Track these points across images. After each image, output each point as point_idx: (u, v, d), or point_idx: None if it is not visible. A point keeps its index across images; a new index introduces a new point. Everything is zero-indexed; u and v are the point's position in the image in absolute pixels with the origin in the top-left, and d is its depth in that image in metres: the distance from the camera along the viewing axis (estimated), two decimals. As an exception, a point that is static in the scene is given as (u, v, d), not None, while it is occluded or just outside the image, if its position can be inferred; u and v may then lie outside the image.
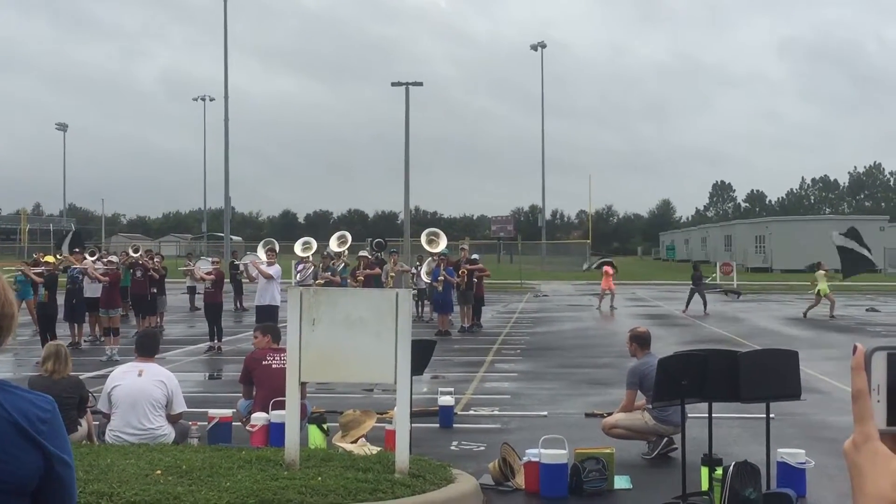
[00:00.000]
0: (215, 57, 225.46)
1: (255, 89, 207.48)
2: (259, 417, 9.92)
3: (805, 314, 29.39)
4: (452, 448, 10.48)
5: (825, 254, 35.46)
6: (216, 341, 20.31)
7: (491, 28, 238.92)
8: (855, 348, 1.19)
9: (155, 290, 24.30)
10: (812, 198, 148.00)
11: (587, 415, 12.38)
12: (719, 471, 7.96)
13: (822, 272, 30.01)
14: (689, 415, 8.79)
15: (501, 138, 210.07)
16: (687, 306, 31.32)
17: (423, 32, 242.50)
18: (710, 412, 8.34)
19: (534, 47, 76.66)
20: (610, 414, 10.75)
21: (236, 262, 32.16)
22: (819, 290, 29.67)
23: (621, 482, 8.83)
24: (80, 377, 10.54)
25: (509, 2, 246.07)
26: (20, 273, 21.61)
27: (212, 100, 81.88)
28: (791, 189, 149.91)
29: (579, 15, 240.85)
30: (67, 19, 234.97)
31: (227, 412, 10.37)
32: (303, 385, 8.66)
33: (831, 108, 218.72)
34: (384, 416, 10.90)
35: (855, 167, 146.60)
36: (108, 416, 9.37)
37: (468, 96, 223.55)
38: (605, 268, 34.36)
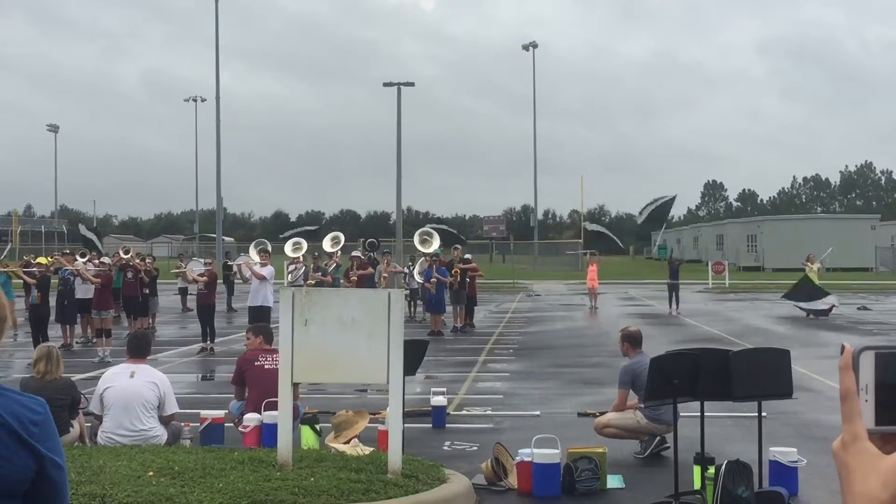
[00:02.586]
0: (197, 58, 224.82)
1: (241, 91, 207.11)
2: (251, 418, 9.91)
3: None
4: (445, 448, 10.48)
5: (816, 253, 35.51)
6: (209, 342, 20.29)
7: (473, 29, 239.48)
8: (843, 348, 1.19)
9: (147, 292, 24.27)
10: (804, 197, 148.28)
11: (580, 414, 12.39)
12: (712, 470, 7.98)
13: (810, 265, 30.04)
14: (681, 414, 8.81)
15: (491, 139, 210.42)
16: (674, 305, 31.27)
17: (405, 34, 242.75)
18: (702, 411, 8.35)
19: (525, 47, 76.64)
20: (602, 413, 10.76)
21: (230, 263, 32.13)
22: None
23: (614, 481, 8.84)
24: (72, 379, 10.51)
25: (492, 3, 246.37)
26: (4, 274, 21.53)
27: (203, 101, 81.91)
28: (783, 188, 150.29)
29: (562, 16, 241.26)
30: (47, 20, 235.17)
31: (220, 413, 10.37)
32: (295, 386, 8.67)
33: (821, 107, 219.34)
34: (377, 416, 10.90)
35: (846, 166, 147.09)
36: (100, 418, 9.35)
37: (456, 97, 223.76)
38: (591, 266, 34.78)
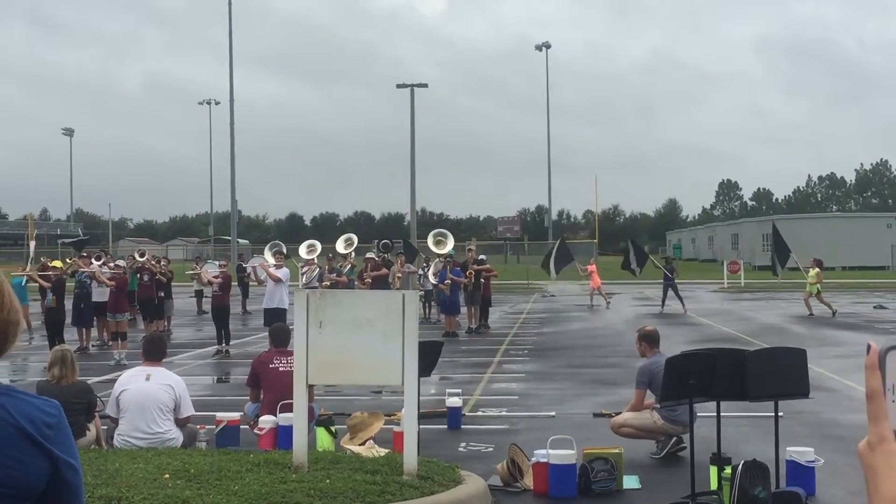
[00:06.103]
0: (205, 62, 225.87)
1: (250, 94, 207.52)
2: (267, 420, 9.91)
3: (811, 312, 29.37)
4: (461, 449, 10.46)
5: (832, 251, 35.40)
6: (224, 345, 20.31)
7: (477, 31, 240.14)
8: (869, 347, 1.17)
9: (162, 294, 24.36)
10: (819, 195, 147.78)
11: (595, 415, 12.36)
12: (728, 470, 7.94)
13: (810, 268, 29.79)
14: (697, 414, 8.77)
15: (504, 139, 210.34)
16: (682, 304, 31.35)
17: (409, 36, 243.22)
18: (718, 411, 8.31)
19: (538, 48, 76.47)
20: (618, 413, 10.73)
21: (244, 266, 32.19)
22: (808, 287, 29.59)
23: (630, 482, 8.81)
24: (89, 382, 10.54)
25: (496, 4, 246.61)
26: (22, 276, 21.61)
27: (217, 104, 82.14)
28: (798, 187, 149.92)
29: (565, 16, 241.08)
30: (48, 25, 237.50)
31: (235, 415, 10.37)
32: (310, 388, 8.66)
33: (836, 105, 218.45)
34: (392, 417, 10.89)
35: (861, 164, 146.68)
36: (116, 421, 9.36)
37: (465, 98, 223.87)
38: (589, 267, 35.65)
